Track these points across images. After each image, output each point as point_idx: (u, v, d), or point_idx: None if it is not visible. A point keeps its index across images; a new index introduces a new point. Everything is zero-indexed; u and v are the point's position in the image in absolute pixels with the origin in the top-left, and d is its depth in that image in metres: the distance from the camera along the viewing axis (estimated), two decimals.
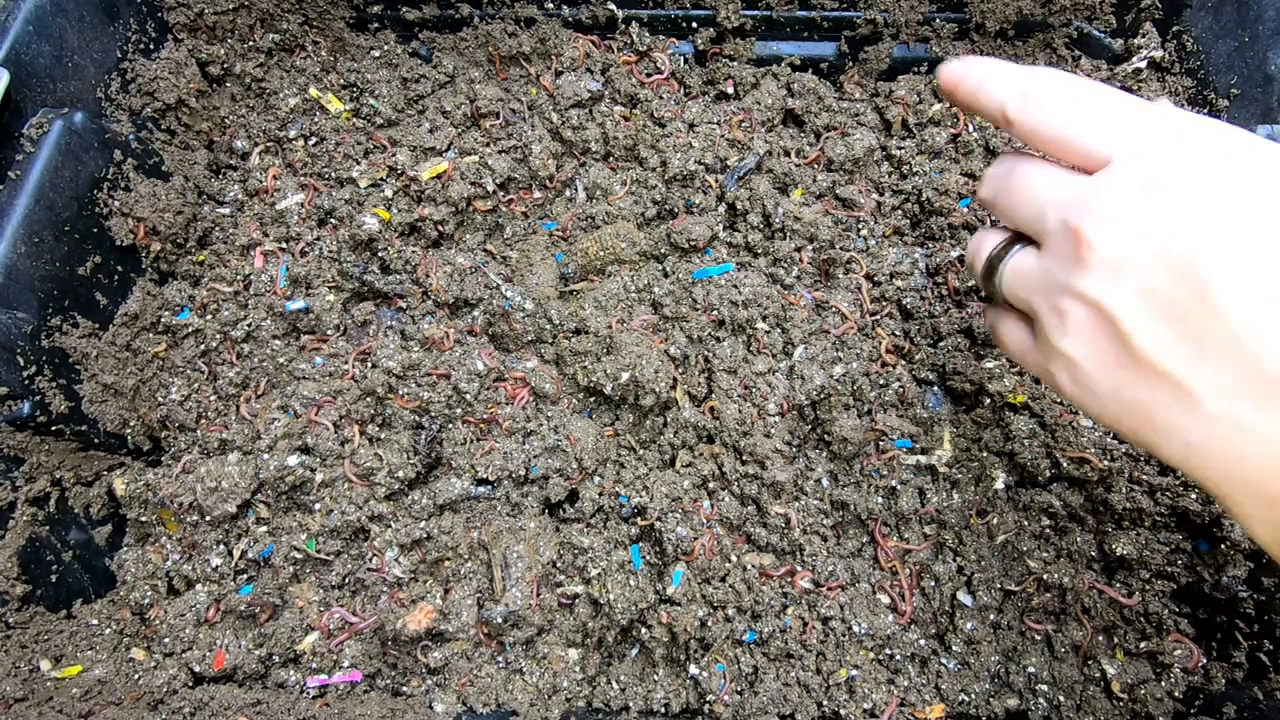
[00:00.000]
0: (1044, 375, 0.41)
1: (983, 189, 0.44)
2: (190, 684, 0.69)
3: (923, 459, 0.72)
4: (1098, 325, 0.33)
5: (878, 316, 0.80)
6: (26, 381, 0.66)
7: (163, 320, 0.79)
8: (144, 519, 0.73)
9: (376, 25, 0.92)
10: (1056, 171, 0.38)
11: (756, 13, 0.89)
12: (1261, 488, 0.28)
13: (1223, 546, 0.66)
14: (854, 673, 0.67)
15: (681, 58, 0.92)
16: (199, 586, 0.71)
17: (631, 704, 0.68)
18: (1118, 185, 0.33)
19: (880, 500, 0.72)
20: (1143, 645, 0.67)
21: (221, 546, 0.72)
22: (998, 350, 0.77)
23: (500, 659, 0.70)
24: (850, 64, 0.93)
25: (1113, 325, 0.32)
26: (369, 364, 0.75)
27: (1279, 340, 0.28)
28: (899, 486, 0.71)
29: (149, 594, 0.72)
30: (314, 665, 0.69)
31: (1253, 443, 0.28)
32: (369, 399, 0.73)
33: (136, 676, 0.69)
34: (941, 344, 0.77)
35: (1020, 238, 0.42)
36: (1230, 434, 0.29)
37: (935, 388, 0.77)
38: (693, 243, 0.81)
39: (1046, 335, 0.37)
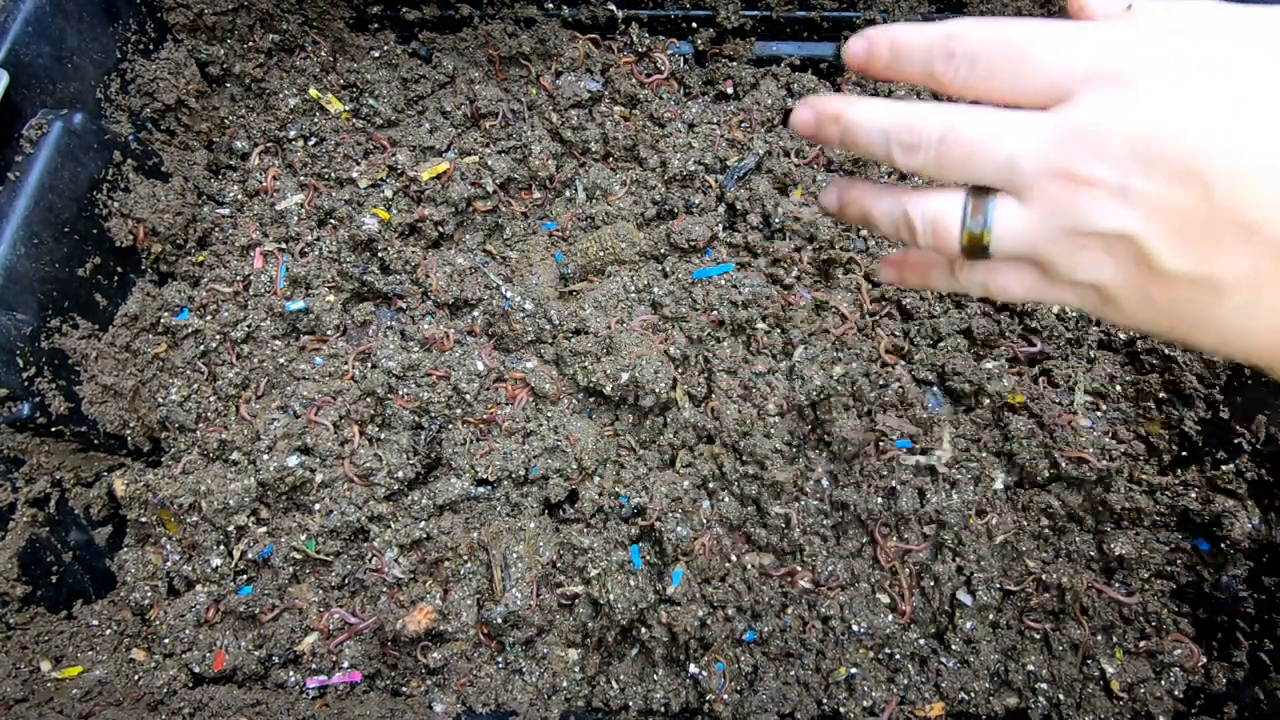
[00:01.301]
0: (1062, 304, 0.41)
1: (910, 155, 0.37)
2: (190, 685, 0.69)
3: (922, 459, 0.72)
4: (1117, 251, 0.34)
5: (877, 317, 0.80)
6: (26, 383, 0.66)
7: (162, 321, 0.79)
8: (144, 520, 0.73)
9: (376, 25, 0.92)
10: (1008, 117, 0.35)
11: (756, 13, 0.89)
12: None
13: (1222, 546, 0.66)
14: (854, 671, 0.67)
15: (681, 58, 0.92)
16: (199, 587, 0.71)
17: (631, 704, 0.68)
18: (1089, 116, 0.33)
19: (880, 500, 0.72)
20: (1142, 645, 0.67)
21: (221, 547, 0.72)
22: (997, 351, 0.77)
23: (500, 659, 0.70)
24: None
25: (1133, 247, 0.33)
26: (369, 364, 0.75)
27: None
28: (899, 487, 0.71)
29: (149, 594, 0.72)
30: (314, 666, 0.69)
31: None
32: (369, 399, 0.73)
33: (136, 677, 0.69)
34: (941, 344, 0.77)
35: (978, 190, 0.38)
36: (1263, 316, 0.31)
37: (935, 388, 0.77)
38: (692, 243, 0.81)
39: (1062, 274, 0.36)
